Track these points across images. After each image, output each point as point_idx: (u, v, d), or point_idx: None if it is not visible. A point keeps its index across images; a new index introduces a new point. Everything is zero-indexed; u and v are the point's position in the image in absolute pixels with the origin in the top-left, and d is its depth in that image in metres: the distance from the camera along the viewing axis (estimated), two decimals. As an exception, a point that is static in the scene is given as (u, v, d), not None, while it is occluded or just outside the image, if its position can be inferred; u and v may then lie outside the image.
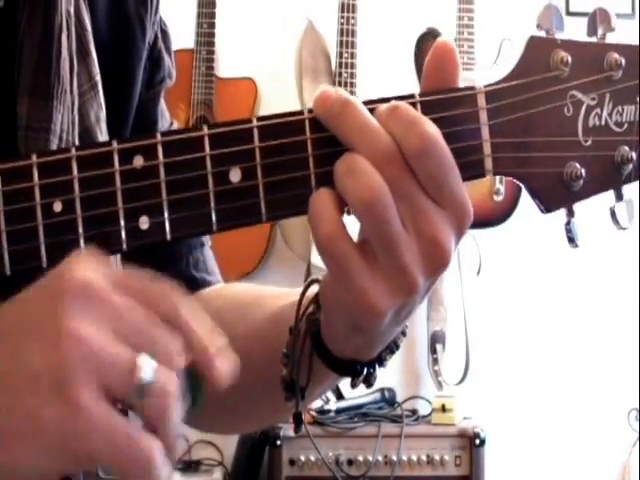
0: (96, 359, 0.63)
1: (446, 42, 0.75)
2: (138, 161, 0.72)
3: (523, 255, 3.65)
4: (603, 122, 0.76)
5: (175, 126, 1.08)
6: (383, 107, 0.73)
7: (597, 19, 0.76)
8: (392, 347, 0.81)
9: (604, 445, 3.65)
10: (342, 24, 3.48)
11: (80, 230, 0.71)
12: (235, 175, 0.73)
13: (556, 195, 0.76)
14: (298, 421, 0.84)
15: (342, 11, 3.48)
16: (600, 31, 0.76)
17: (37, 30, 0.88)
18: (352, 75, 3.50)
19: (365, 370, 0.81)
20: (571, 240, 0.78)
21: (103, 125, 0.93)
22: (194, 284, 1.03)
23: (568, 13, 3.54)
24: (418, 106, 0.74)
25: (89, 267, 0.66)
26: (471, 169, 0.75)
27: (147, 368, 0.64)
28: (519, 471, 3.64)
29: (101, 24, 0.95)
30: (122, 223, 0.72)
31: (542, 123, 0.75)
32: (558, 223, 0.78)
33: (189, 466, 3.57)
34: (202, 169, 0.73)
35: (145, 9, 1.00)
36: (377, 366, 0.81)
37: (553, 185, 0.76)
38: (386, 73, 3.51)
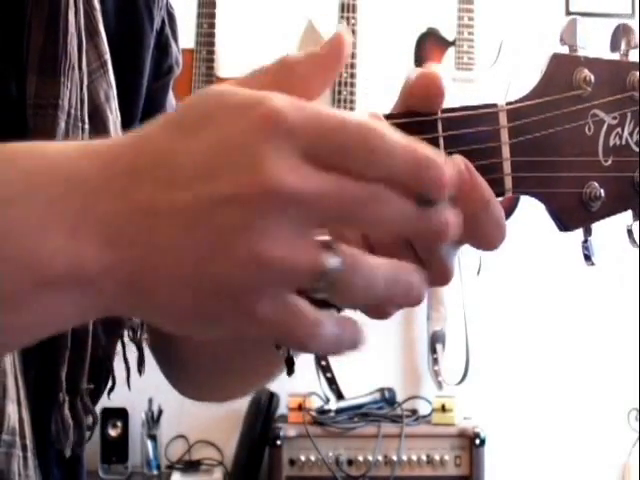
0: (279, 274, 0.58)
1: (432, 72, 0.71)
2: None
3: (523, 255, 3.65)
4: (624, 142, 0.75)
5: None
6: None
7: (620, 35, 0.75)
8: None
9: (604, 445, 3.65)
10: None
11: None
12: None
13: (575, 215, 0.76)
14: (290, 364, 0.82)
15: (342, 11, 3.48)
16: (623, 46, 0.76)
17: (44, 8, 0.88)
18: (352, 75, 3.49)
19: None
20: (587, 258, 0.77)
21: (113, 104, 0.93)
22: None
23: (568, 13, 3.54)
24: (439, 122, 0.74)
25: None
26: (491, 187, 0.75)
27: (332, 262, 0.59)
28: (519, 471, 3.65)
29: (109, 12, 0.95)
30: None
31: (563, 142, 0.75)
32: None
33: (189, 466, 3.58)
34: None
35: None
36: None
37: (572, 205, 0.75)
38: (386, 73, 3.50)
